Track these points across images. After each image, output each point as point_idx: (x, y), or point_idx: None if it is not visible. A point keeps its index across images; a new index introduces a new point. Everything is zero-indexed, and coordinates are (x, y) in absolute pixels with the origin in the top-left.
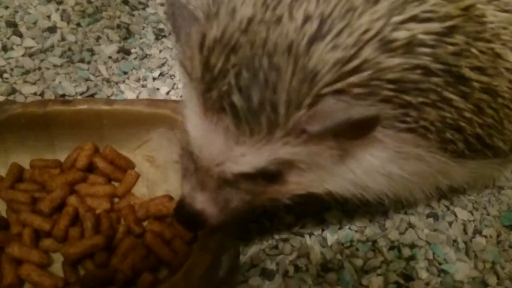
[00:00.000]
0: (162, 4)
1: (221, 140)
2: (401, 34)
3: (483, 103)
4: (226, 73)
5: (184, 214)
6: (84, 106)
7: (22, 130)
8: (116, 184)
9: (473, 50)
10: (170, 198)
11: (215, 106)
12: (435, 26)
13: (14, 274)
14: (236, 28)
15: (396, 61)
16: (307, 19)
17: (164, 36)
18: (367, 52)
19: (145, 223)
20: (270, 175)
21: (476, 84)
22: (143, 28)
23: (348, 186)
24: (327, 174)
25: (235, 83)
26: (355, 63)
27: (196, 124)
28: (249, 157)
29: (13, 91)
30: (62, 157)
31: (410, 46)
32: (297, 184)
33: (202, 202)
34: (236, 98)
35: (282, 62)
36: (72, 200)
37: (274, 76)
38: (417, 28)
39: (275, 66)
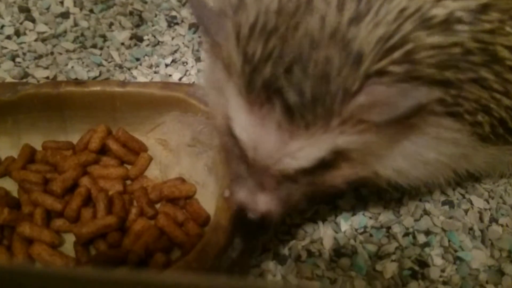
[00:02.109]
0: None
1: (275, 137)
2: (439, 11)
3: (509, 85)
4: (267, 59)
5: (250, 220)
6: (98, 88)
7: (35, 111)
8: (128, 167)
9: (507, 29)
10: (183, 180)
11: (261, 98)
12: (471, 3)
13: (25, 253)
14: (268, 11)
15: (435, 37)
16: (342, 0)
17: (177, 24)
18: (408, 28)
19: (157, 206)
20: (326, 164)
21: (509, 63)
22: (156, 15)
23: (388, 170)
24: (375, 159)
25: (284, 78)
26: (396, 38)
27: (245, 124)
28: (307, 150)
29: (26, 75)
30: (74, 139)
31: (448, 23)
32: (350, 169)
33: (265, 203)
34: (288, 94)
35: (329, 51)
36: (85, 181)
37: (324, 66)
38: (454, 5)
39: (324, 56)
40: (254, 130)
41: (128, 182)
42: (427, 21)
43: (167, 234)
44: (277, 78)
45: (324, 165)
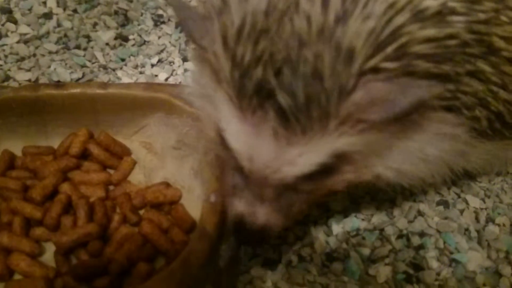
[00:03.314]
0: None
1: (271, 145)
2: (432, 3)
3: (506, 77)
4: (257, 62)
5: (249, 232)
6: (78, 90)
7: (14, 115)
8: (111, 171)
9: (503, 18)
10: (168, 185)
11: (253, 104)
12: None
13: (3, 264)
14: (256, 12)
15: (429, 30)
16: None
17: (163, 23)
18: (400, 21)
19: (141, 212)
20: (327, 169)
21: (505, 54)
22: (142, 14)
23: (390, 171)
24: (377, 160)
25: (275, 81)
26: (388, 31)
27: (238, 133)
28: (306, 156)
29: (7, 78)
30: (55, 143)
31: (441, 15)
32: (352, 172)
33: (264, 215)
34: (280, 97)
35: (318, 48)
36: (65, 187)
37: (315, 65)
38: None
39: (313, 54)
40: (248, 139)
41: (111, 187)
42: (420, 13)
43: (151, 242)
44: (268, 81)
45: (325, 170)
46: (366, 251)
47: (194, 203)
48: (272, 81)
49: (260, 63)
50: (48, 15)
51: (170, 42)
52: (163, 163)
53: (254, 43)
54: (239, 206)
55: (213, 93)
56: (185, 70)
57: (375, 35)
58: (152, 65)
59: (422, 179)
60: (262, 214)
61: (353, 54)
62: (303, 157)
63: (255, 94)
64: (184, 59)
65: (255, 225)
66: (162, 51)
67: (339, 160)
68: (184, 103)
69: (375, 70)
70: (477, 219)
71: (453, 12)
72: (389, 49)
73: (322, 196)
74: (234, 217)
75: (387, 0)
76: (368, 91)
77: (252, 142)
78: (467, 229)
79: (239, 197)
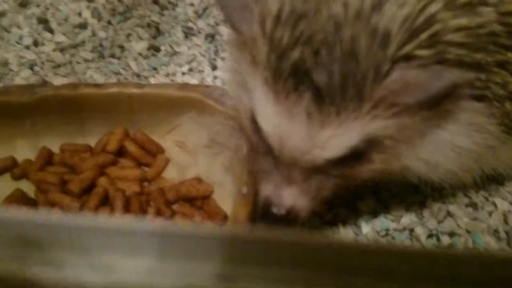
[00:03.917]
0: (191, 4)
1: (304, 126)
2: None
3: None
4: (295, 44)
5: (273, 214)
6: (115, 90)
7: (53, 113)
8: (146, 169)
9: None
10: (200, 180)
11: (288, 86)
12: None
13: None
14: None
15: (462, 19)
16: None
17: (193, 35)
18: (433, 9)
19: (175, 206)
20: (358, 155)
21: None
22: (173, 27)
23: (420, 162)
24: (408, 149)
25: (309, 53)
26: (422, 18)
27: (271, 115)
28: (338, 139)
29: (45, 82)
30: (92, 142)
31: (472, 5)
32: (382, 161)
33: (290, 197)
34: (317, 76)
35: (355, 30)
36: (102, 181)
37: (351, 45)
38: None
39: (349, 36)
40: (281, 121)
41: (145, 184)
42: (452, 3)
43: None
44: (305, 61)
45: (356, 155)
46: None
47: (226, 198)
48: (309, 61)
49: (298, 44)
50: (83, 25)
51: (199, 52)
52: (195, 161)
53: (293, 26)
54: (267, 189)
55: (248, 78)
56: (215, 77)
57: (409, 21)
58: (183, 73)
59: (453, 174)
60: (290, 197)
61: (388, 38)
62: (335, 139)
63: (290, 76)
64: (214, 68)
65: (282, 207)
66: (192, 60)
67: (370, 145)
68: (216, 102)
69: (409, 57)
70: (505, 221)
71: (484, 2)
72: (423, 36)
73: (350, 183)
74: (261, 200)
75: None
76: (402, 76)
77: (285, 123)
78: (496, 230)
79: (267, 180)
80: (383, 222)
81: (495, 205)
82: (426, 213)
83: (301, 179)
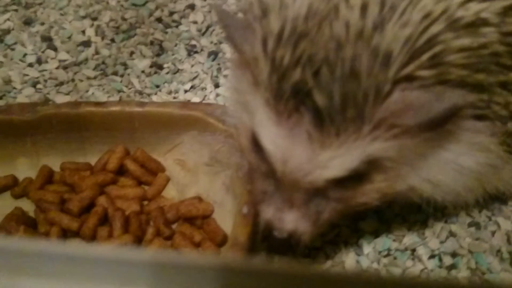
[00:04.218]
0: (195, 22)
1: (305, 147)
2: (466, 13)
3: None
4: (296, 64)
5: (277, 239)
6: (117, 108)
7: (54, 132)
8: (146, 187)
9: None
10: (200, 199)
11: (289, 107)
12: (497, 4)
13: None
14: (298, 16)
15: (464, 39)
16: (365, 5)
17: (196, 52)
18: (435, 30)
19: (174, 226)
20: (358, 176)
21: None
22: (176, 44)
23: (424, 183)
24: (410, 170)
25: (310, 74)
26: (424, 39)
27: (273, 136)
28: (339, 160)
29: (46, 100)
30: (93, 160)
31: (475, 25)
32: (384, 182)
33: (292, 221)
34: (317, 97)
35: (356, 49)
36: (102, 200)
37: (352, 65)
38: (479, 7)
39: (351, 55)
40: (283, 142)
41: (145, 202)
42: (454, 23)
43: None
44: (306, 82)
45: (357, 177)
46: (397, 271)
47: (226, 218)
48: (309, 81)
49: (299, 64)
50: (86, 43)
51: (202, 70)
52: (196, 179)
53: (294, 46)
54: (268, 212)
55: (250, 98)
56: (217, 95)
57: (411, 42)
58: (185, 91)
59: (456, 193)
60: (291, 220)
61: (389, 58)
62: (335, 160)
63: (291, 96)
64: (216, 85)
65: (283, 231)
66: (194, 78)
67: (371, 167)
68: (217, 120)
69: (410, 78)
70: (508, 241)
71: (486, 23)
72: (424, 57)
73: (353, 206)
74: (263, 223)
75: (423, 9)
76: (403, 97)
77: (287, 144)
78: (499, 250)
79: (268, 203)
80: (385, 242)
81: (498, 224)
82: (428, 232)
83: (303, 202)
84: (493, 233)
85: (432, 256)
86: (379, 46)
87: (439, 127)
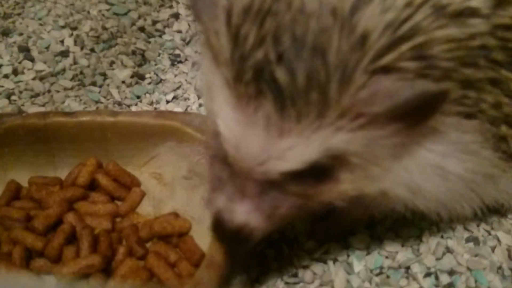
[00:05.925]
0: (179, 31)
1: (262, 133)
2: (454, 0)
3: None
4: (261, 44)
5: (224, 231)
6: (87, 118)
7: (21, 144)
8: (119, 203)
9: None
10: (176, 215)
11: (250, 90)
12: None
13: None
14: None
15: (451, 29)
16: None
17: (180, 62)
18: (420, 17)
19: (149, 244)
20: (321, 172)
21: None
22: (159, 54)
23: (400, 187)
24: (381, 171)
25: (274, 54)
26: (407, 26)
27: (229, 118)
28: (297, 150)
29: (20, 112)
30: (63, 174)
31: (463, 15)
32: (351, 182)
33: (243, 213)
34: (279, 75)
35: (327, 23)
36: (70, 217)
37: (321, 40)
38: None
39: (320, 28)
40: (238, 127)
41: (118, 219)
42: (441, 10)
43: (157, 276)
44: (270, 62)
45: (318, 172)
46: None
47: (205, 235)
48: (274, 63)
49: (264, 44)
50: (65, 53)
51: (186, 80)
52: (172, 194)
53: (260, 23)
54: (219, 201)
55: (211, 78)
56: (200, 105)
57: (392, 29)
58: (167, 101)
59: (441, 202)
60: (242, 212)
61: (365, 42)
62: (293, 150)
63: (253, 78)
64: (199, 96)
65: (232, 223)
66: (177, 88)
67: (335, 162)
68: (196, 130)
69: (388, 69)
70: (510, 257)
71: (476, 13)
72: (405, 47)
73: (314, 204)
74: (212, 212)
75: None
76: (374, 85)
77: (242, 129)
78: (500, 267)
79: (220, 191)
80: (377, 259)
81: (498, 239)
82: (423, 248)
83: (257, 193)
84: (493, 248)
85: (427, 274)
86: (355, 27)
87: (410, 118)
